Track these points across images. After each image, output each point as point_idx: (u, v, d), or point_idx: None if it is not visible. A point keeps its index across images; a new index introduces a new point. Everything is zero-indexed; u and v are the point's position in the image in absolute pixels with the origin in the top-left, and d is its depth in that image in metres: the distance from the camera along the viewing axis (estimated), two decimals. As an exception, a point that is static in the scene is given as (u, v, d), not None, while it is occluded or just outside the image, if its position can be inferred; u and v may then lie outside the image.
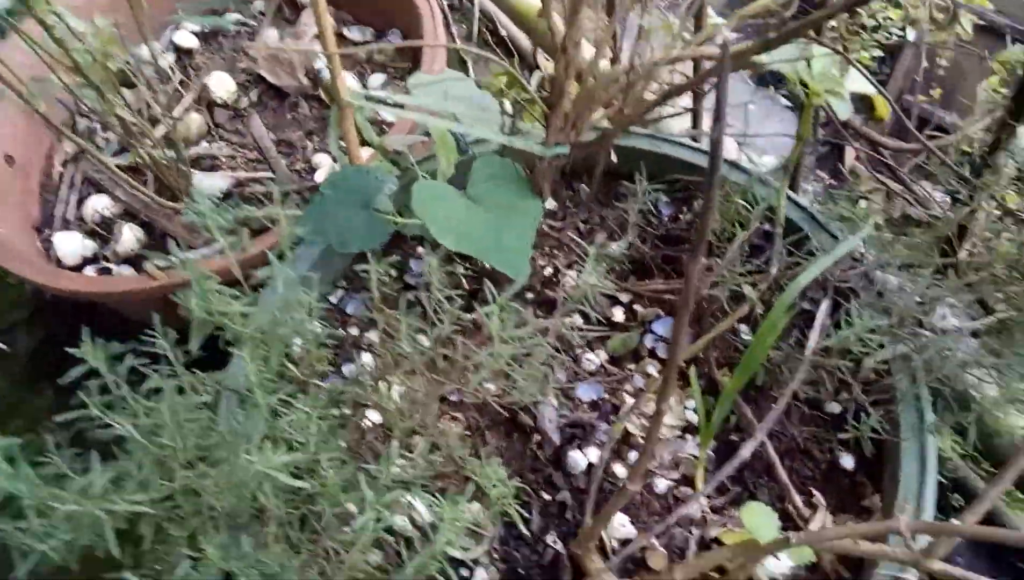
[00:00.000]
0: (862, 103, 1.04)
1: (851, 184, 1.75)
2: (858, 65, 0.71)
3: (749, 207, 1.01)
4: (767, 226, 1.01)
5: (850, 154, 1.94)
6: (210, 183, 1.31)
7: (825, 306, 0.78)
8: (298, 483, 0.55)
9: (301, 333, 0.74)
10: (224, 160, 1.39)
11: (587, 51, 0.96)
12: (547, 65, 1.83)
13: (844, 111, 0.73)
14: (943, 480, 1.06)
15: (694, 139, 1.33)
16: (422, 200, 0.90)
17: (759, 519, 0.68)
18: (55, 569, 0.61)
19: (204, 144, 1.43)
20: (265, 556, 0.63)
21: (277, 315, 0.72)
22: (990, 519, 1.10)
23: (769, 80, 2.06)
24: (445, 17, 2.08)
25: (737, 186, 1.06)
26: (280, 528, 0.67)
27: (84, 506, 0.54)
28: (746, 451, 0.69)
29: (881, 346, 0.80)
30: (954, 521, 0.68)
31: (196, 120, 1.43)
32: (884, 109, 0.79)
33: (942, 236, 0.86)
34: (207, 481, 0.62)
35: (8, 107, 1.40)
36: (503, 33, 1.96)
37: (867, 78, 0.71)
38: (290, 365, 0.92)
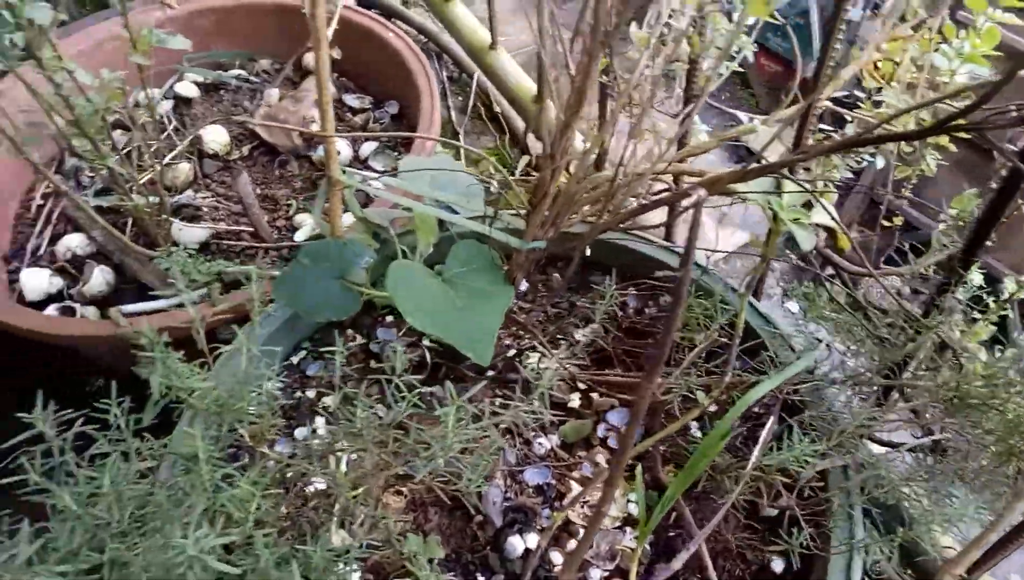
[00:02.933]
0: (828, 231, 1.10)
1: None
2: (824, 203, 0.75)
3: (709, 309, 1.05)
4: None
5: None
6: (189, 233, 1.33)
7: (770, 424, 0.81)
8: (226, 569, 0.55)
9: (256, 407, 0.75)
10: (206, 211, 1.41)
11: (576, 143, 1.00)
12: (536, 146, 1.90)
13: (807, 242, 0.77)
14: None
15: (667, 236, 1.37)
16: (396, 280, 0.93)
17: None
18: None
19: (189, 192, 1.45)
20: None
21: (235, 389, 0.72)
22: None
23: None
24: (443, 89, 2.14)
25: (701, 289, 1.10)
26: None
27: (5, 576, 0.54)
28: (679, 562, 0.70)
29: (823, 456, 0.82)
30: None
31: (184, 169, 1.46)
32: (845, 242, 0.83)
33: (892, 359, 0.89)
34: (137, 555, 0.62)
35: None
36: (497, 110, 2.02)
37: (831, 215, 0.75)
38: (242, 432, 0.93)
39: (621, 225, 1.04)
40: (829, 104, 0.99)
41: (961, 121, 0.58)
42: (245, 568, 0.68)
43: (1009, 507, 0.48)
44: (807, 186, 0.78)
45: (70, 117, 1.05)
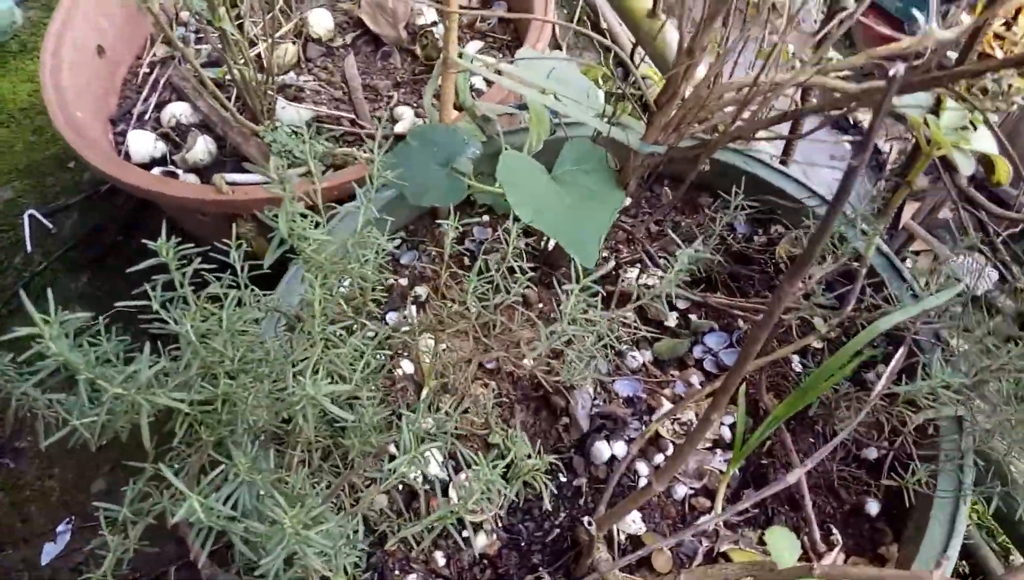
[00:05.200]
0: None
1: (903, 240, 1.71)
2: (993, 125, 0.68)
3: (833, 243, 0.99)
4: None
5: (908, 211, 1.90)
6: (292, 112, 1.32)
7: (900, 353, 0.76)
8: (339, 414, 0.55)
9: (364, 272, 0.74)
10: (309, 93, 1.39)
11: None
12: (644, 67, 1.81)
13: (967, 167, 0.71)
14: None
15: (783, 163, 1.30)
16: (508, 170, 0.89)
17: (782, 543, 0.67)
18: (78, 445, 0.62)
19: (292, 74, 1.43)
20: (289, 477, 0.63)
21: (349, 249, 0.71)
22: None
23: (843, 125, 2.10)
24: (548, -1, 2.06)
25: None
26: (305, 453, 0.67)
27: (129, 392, 0.54)
28: (780, 485, 0.67)
29: (942, 404, 0.77)
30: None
31: (290, 50, 1.44)
32: (1004, 174, 0.76)
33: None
34: (247, 394, 0.62)
35: (110, 1, 1.42)
36: (603, 25, 1.94)
37: (999, 139, 0.68)
38: (341, 301, 0.93)
39: (735, 143, 0.99)
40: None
41: None
42: (346, 425, 0.68)
43: None
44: (977, 104, 0.71)
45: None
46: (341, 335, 0.68)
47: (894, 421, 0.77)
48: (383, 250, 0.79)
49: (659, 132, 0.91)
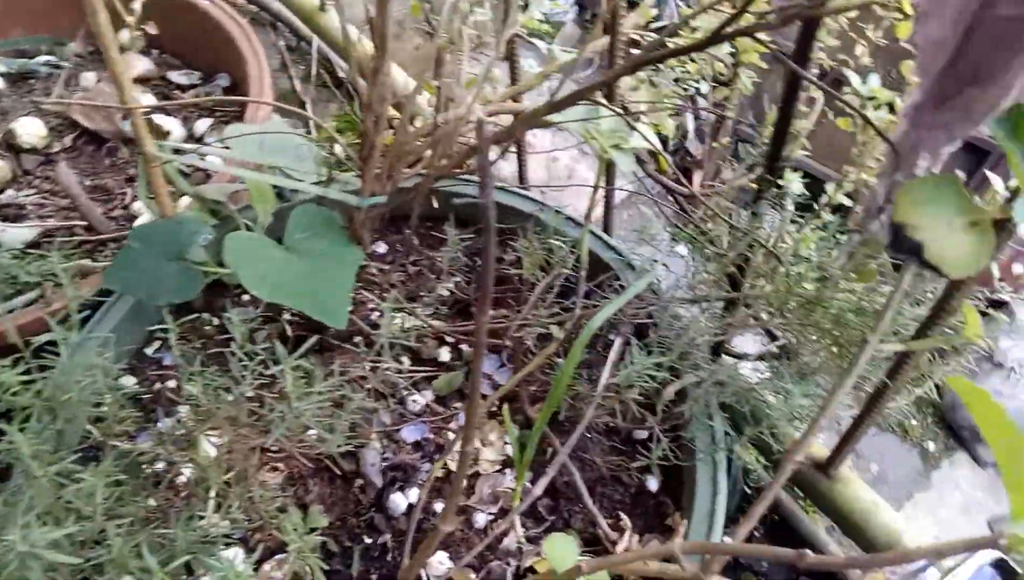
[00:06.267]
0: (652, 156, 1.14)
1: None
2: (636, 126, 0.78)
3: (566, 249, 1.08)
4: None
5: (696, 179, 2.09)
6: (13, 233, 1.23)
7: (617, 344, 0.85)
8: (65, 560, 0.53)
9: (95, 397, 0.71)
10: (32, 208, 1.31)
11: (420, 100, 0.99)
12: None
13: (627, 165, 0.80)
14: (748, 490, 1.16)
15: (521, 185, 1.39)
16: (234, 252, 0.89)
17: (559, 549, 0.72)
18: None
19: (10, 192, 1.33)
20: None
21: (61, 381, 0.68)
22: (785, 523, 1.21)
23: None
24: (283, 60, 2.06)
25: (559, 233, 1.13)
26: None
27: None
28: (551, 471, 0.73)
29: (676, 376, 0.86)
30: (727, 539, 0.75)
31: (1, 167, 1.34)
32: (664, 164, 0.87)
33: (727, 272, 0.95)
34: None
35: None
36: (343, 75, 1.97)
37: (645, 138, 0.78)
38: (92, 428, 0.88)
39: (459, 168, 1.05)
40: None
41: (731, 29, 0.61)
42: (102, 560, 0.66)
43: (833, 394, 0.54)
44: (617, 110, 0.81)
45: None
46: (75, 473, 0.66)
47: (650, 401, 0.86)
48: (113, 372, 0.77)
49: (374, 183, 0.95)
